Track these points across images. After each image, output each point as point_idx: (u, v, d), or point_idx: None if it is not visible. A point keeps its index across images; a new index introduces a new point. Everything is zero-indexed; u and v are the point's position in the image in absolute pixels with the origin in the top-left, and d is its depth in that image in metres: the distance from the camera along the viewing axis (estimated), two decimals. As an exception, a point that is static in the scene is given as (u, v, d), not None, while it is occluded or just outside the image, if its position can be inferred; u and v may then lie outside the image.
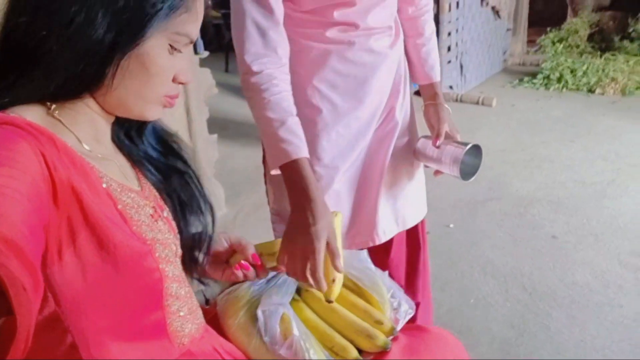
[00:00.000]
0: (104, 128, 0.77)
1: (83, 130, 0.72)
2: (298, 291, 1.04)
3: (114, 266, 0.66)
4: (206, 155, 2.74)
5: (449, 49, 4.98)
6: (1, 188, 0.51)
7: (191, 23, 0.73)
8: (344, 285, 1.02)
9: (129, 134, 0.84)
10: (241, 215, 2.88)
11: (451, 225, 2.75)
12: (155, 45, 0.70)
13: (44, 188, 0.57)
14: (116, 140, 0.82)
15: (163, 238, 0.77)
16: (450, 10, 4.80)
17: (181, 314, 0.81)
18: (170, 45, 0.72)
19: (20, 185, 0.53)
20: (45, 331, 0.63)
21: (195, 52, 2.64)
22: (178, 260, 0.83)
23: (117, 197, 0.71)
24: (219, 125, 4.26)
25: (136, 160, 0.84)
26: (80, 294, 0.64)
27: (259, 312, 0.93)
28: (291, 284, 1.02)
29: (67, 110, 0.70)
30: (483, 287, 2.22)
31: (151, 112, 0.76)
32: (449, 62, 5.03)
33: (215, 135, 2.83)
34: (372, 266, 1.06)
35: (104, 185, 0.69)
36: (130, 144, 0.84)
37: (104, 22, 0.65)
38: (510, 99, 5.00)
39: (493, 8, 5.54)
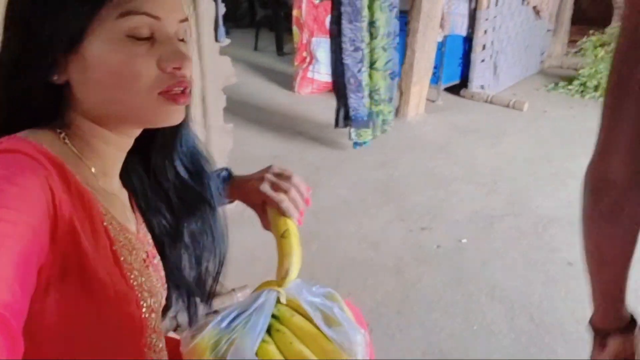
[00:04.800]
0: (113, 161, 0.74)
1: (92, 161, 0.70)
2: (268, 330, 0.98)
3: (97, 309, 0.64)
4: (220, 144, 2.68)
5: (483, 47, 4.81)
6: (1, 238, 0.49)
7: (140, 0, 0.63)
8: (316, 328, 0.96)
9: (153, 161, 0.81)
10: (250, 209, 2.82)
11: (464, 240, 2.66)
12: (99, 46, 0.62)
13: (46, 227, 0.56)
14: (126, 176, 0.80)
15: (151, 285, 0.75)
16: (488, 7, 4.61)
17: None
18: (131, 33, 0.63)
19: (23, 231, 0.51)
20: None
21: (216, 39, 2.56)
22: (160, 311, 0.80)
23: (115, 237, 0.69)
24: (240, 108, 4.21)
25: (153, 188, 0.82)
26: (57, 334, 0.62)
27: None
28: (262, 321, 0.96)
29: (77, 140, 0.68)
30: (488, 313, 2.14)
31: (158, 116, 0.67)
32: (482, 60, 4.86)
33: (231, 125, 2.76)
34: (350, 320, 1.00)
35: (105, 224, 0.67)
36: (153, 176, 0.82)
37: (20, 41, 0.63)
38: (543, 103, 4.82)
39: (534, 8, 5.31)
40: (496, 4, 4.70)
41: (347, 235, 2.65)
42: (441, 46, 4.50)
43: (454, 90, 5.02)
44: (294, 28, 4.85)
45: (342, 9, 3.27)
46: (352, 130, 3.54)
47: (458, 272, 2.39)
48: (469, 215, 2.89)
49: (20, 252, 0.50)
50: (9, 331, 0.46)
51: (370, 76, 3.54)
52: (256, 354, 0.95)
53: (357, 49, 3.38)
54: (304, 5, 4.71)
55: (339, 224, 2.75)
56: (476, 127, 4.26)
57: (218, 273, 0.93)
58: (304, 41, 4.79)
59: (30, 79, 0.64)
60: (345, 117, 3.56)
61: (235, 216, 2.74)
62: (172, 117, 0.68)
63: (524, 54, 5.46)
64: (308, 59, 4.84)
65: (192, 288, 0.96)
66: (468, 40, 4.80)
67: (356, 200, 3.01)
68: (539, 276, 2.38)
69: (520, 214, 2.92)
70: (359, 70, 3.42)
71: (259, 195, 0.93)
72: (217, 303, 1.24)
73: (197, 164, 0.85)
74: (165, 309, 0.97)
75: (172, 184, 0.83)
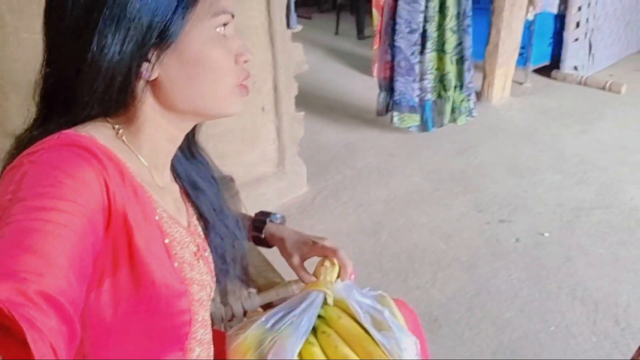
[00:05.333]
0: (166, 155, 0.76)
1: (146, 155, 0.71)
2: (314, 331, 0.96)
3: (147, 303, 0.66)
4: (291, 132, 2.69)
5: (577, 24, 4.47)
6: (59, 228, 0.51)
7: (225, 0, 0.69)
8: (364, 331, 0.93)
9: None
10: (321, 197, 2.82)
11: (546, 234, 2.49)
12: (196, 39, 0.66)
13: (101, 219, 0.58)
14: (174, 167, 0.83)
15: (201, 279, 0.76)
16: (584, -19, 4.28)
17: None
18: (220, 31, 0.68)
19: (78, 223, 0.53)
20: None
21: (288, 26, 2.55)
22: (210, 305, 0.82)
23: (167, 230, 0.70)
24: (317, 95, 4.21)
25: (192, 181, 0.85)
26: (108, 324, 0.64)
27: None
28: (307, 322, 0.94)
29: (132, 135, 0.69)
30: (568, 314, 2.00)
31: (232, 107, 0.73)
32: (576, 39, 4.52)
33: (302, 113, 2.76)
34: (401, 326, 0.95)
35: (157, 217, 0.69)
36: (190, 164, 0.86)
37: (117, 40, 0.62)
38: (644, 85, 4.42)
39: (637, -21, 4.86)
40: (592, -22, 4.35)
41: (419, 226, 2.57)
42: (529, 24, 4.22)
43: (545, 71, 4.71)
44: (374, 10, 4.75)
45: None
46: (395, 114, 3.42)
47: (537, 269, 2.25)
48: (553, 207, 2.71)
49: (77, 241, 0.52)
50: (65, 317, 0.47)
51: (439, 59, 3.38)
52: (300, 355, 0.93)
53: (412, 31, 3.24)
54: (383, -13, 4.59)
55: (410, 214, 2.67)
56: (567, 111, 3.98)
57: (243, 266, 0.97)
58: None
59: (123, 74, 0.64)
60: (387, 103, 3.46)
61: (307, 204, 2.75)
62: (240, 106, 0.74)
63: (623, 32, 5.02)
64: (387, 43, 4.73)
65: (245, 277, 1.01)
66: (560, 18, 4.48)
67: (430, 189, 2.91)
68: (628, 276, 2.19)
69: (610, 207, 2.70)
70: (412, 53, 3.29)
71: (315, 250, 1.01)
72: (272, 295, 1.24)
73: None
74: (221, 295, 1.00)
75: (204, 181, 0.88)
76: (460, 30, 3.36)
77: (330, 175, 3.02)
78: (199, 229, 0.84)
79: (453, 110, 3.55)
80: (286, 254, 1.04)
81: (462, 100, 3.55)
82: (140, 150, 0.70)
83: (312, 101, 3.95)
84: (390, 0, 3.27)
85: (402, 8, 3.20)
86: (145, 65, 0.64)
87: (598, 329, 1.92)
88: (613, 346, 1.85)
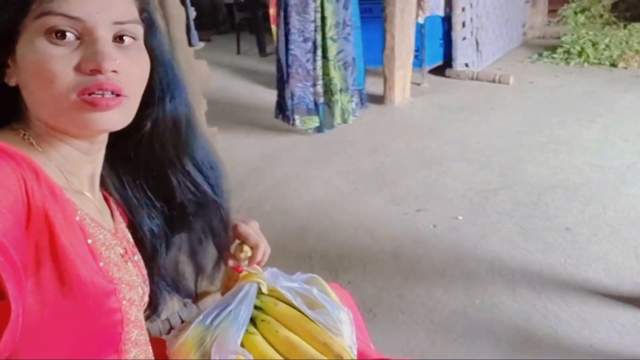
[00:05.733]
0: (79, 163, 0.72)
1: (56, 160, 0.69)
2: (253, 322, 0.97)
3: (74, 302, 0.62)
4: (205, 149, 2.67)
5: (463, 24, 4.80)
6: None
7: (59, 1, 0.62)
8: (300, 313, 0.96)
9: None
10: (244, 209, 2.82)
11: (460, 218, 2.64)
12: (24, 45, 0.62)
13: (22, 211, 0.55)
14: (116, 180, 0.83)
15: (130, 279, 0.74)
16: (464, -16, 4.60)
17: None
18: (49, 35, 0.61)
19: (3, 202, 0.51)
20: None
21: (190, 44, 2.54)
22: (143, 306, 0.80)
23: (90, 231, 0.68)
24: (226, 112, 4.21)
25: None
26: (35, 326, 0.60)
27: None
28: (245, 312, 0.96)
29: (39, 138, 0.67)
30: (490, 287, 2.12)
31: (73, 122, 0.64)
32: (464, 38, 4.85)
33: (215, 128, 2.74)
34: (332, 300, 0.99)
35: (78, 219, 0.66)
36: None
37: None
38: (528, 75, 4.81)
39: (510, -20, 5.30)
40: (471, -19, 4.69)
41: (343, 225, 2.64)
42: (420, 28, 4.48)
43: (439, 71, 5.01)
44: (273, 27, 4.82)
45: (289, 1, 3.44)
46: (296, 117, 3.69)
47: (456, 249, 2.38)
48: (463, 192, 2.88)
49: (6, 218, 0.50)
50: (13, 264, 0.47)
51: (323, 66, 3.68)
52: (242, 346, 0.94)
53: (306, 40, 3.54)
54: (278, 3, 4.69)
55: (334, 215, 2.74)
56: (464, 105, 4.24)
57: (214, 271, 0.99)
58: (284, 39, 4.77)
59: None
60: (284, 107, 3.73)
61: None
62: (91, 123, 0.64)
63: (505, 28, 5.45)
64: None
65: (181, 289, 1.00)
66: (447, 20, 4.78)
67: (349, 190, 3.00)
68: (537, 245, 2.37)
69: (514, 185, 2.91)
70: (308, 60, 3.59)
71: (235, 234, 1.00)
72: (209, 302, 1.26)
73: (208, 164, 0.88)
74: (155, 309, 0.98)
75: (186, 188, 0.85)
76: (340, 39, 3.66)
77: (251, 187, 3.03)
78: (128, 236, 0.82)
79: (343, 113, 3.84)
80: None
81: (348, 102, 3.86)
82: (49, 155, 0.68)
83: (221, 118, 3.93)
84: (283, 13, 3.47)
85: (295, 19, 3.46)
86: (7, 71, 0.65)
87: (518, 296, 2.06)
88: (533, 309, 1.98)
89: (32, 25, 0.61)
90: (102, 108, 0.63)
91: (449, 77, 4.92)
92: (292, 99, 3.69)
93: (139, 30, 0.69)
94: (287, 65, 3.62)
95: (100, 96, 0.63)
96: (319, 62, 3.65)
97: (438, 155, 3.36)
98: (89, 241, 0.67)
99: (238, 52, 6.49)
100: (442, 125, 3.88)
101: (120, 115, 0.66)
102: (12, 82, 0.65)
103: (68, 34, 0.62)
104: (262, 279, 1.02)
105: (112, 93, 0.63)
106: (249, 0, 6.66)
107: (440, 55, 4.98)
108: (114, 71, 0.63)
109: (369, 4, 4.52)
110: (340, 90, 3.78)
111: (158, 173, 0.84)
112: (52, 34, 0.61)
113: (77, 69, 0.62)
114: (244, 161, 3.38)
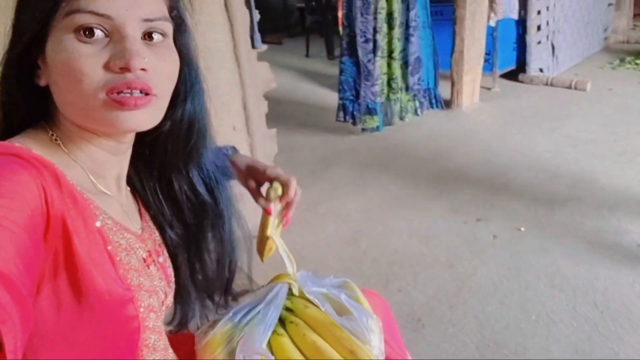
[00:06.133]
0: (107, 164, 0.72)
1: (83, 161, 0.69)
2: (282, 322, 0.97)
3: (90, 310, 0.62)
4: (264, 150, 2.71)
5: (538, 28, 4.60)
6: (1, 220, 0.49)
7: None
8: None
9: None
10: (299, 211, 2.82)
11: (522, 229, 2.53)
12: (54, 44, 0.62)
13: (40, 222, 0.55)
14: (136, 177, 0.83)
15: (151, 285, 0.74)
16: (540, -15, 4.42)
17: None
18: (78, 33, 0.61)
19: (19, 218, 0.51)
20: None
21: (253, 46, 2.59)
22: (163, 310, 0.79)
23: (110, 237, 0.67)
24: (290, 113, 4.26)
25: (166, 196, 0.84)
26: (51, 332, 0.61)
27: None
28: (273, 313, 0.95)
29: (67, 140, 0.68)
30: (548, 302, 2.02)
31: (103, 120, 0.64)
32: (539, 42, 4.65)
33: (274, 130, 2.79)
34: (360, 307, 0.97)
35: (98, 224, 0.66)
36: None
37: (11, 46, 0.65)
38: (608, 82, 4.55)
39: (592, -19, 5.04)
40: (548, -18, 4.50)
41: (397, 231, 2.59)
42: (492, 31, 4.34)
43: (512, 75, 4.83)
44: (341, 30, 4.84)
45: (354, 2, 3.57)
46: (357, 116, 3.79)
47: (516, 262, 2.28)
48: (528, 202, 2.75)
49: (20, 234, 0.50)
50: (18, 296, 0.45)
51: (388, 65, 3.78)
52: (269, 346, 0.94)
53: (367, 41, 3.64)
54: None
55: (388, 221, 2.70)
56: (536, 111, 4.07)
57: (229, 280, 0.99)
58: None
59: (16, 81, 0.66)
60: (346, 107, 3.83)
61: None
62: (120, 122, 0.63)
63: (584, 32, 5.17)
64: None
65: (208, 293, 1.00)
66: (521, 23, 4.61)
67: (406, 195, 2.95)
68: (604, 262, 2.23)
69: (584, 197, 2.75)
70: (369, 60, 3.66)
71: (265, 176, 0.99)
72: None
73: (213, 176, 0.87)
74: (184, 325, 0.98)
75: (185, 195, 0.85)
76: (402, 39, 3.77)
77: (308, 189, 3.04)
78: (155, 234, 0.82)
79: (401, 111, 3.92)
80: (242, 179, 1.04)
81: (408, 100, 3.95)
82: (76, 156, 0.68)
83: (284, 120, 3.99)
84: (347, 14, 3.66)
85: (359, 20, 3.61)
86: (38, 72, 0.66)
87: (578, 314, 1.94)
88: (593, 329, 1.86)
89: (61, 23, 0.61)
90: (130, 107, 0.62)
91: (522, 82, 4.74)
92: (354, 99, 3.78)
93: (169, 27, 0.68)
94: (351, 65, 3.72)
95: (129, 95, 0.62)
96: (379, 62, 3.72)
97: (505, 162, 3.24)
98: (109, 247, 0.66)
99: (307, 55, 6.56)
100: (512, 131, 3.73)
101: (149, 115, 0.65)
102: (42, 83, 0.65)
103: (97, 31, 0.61)
104: (293, 280, 1.02)
105: (141, 92, 0.62)
106: (320, 3, 6.71)
107: (513, 59, 4.81)
108: (143, 69, 0.62)
109: (440, 7, 4.45)
110: (401, 89, 3.88)
111: (164, 176, 0.83)
112: (80, 32, 0.61)
113: (106, 67, 0.61)
114: (303, 163, 3.41)
